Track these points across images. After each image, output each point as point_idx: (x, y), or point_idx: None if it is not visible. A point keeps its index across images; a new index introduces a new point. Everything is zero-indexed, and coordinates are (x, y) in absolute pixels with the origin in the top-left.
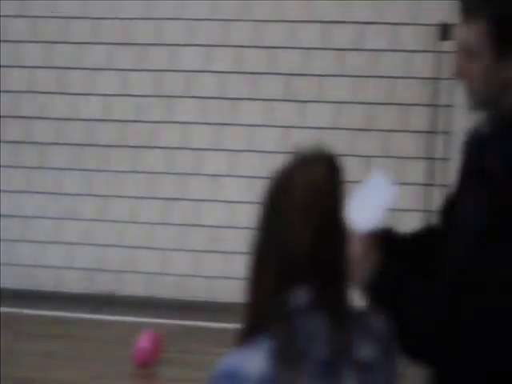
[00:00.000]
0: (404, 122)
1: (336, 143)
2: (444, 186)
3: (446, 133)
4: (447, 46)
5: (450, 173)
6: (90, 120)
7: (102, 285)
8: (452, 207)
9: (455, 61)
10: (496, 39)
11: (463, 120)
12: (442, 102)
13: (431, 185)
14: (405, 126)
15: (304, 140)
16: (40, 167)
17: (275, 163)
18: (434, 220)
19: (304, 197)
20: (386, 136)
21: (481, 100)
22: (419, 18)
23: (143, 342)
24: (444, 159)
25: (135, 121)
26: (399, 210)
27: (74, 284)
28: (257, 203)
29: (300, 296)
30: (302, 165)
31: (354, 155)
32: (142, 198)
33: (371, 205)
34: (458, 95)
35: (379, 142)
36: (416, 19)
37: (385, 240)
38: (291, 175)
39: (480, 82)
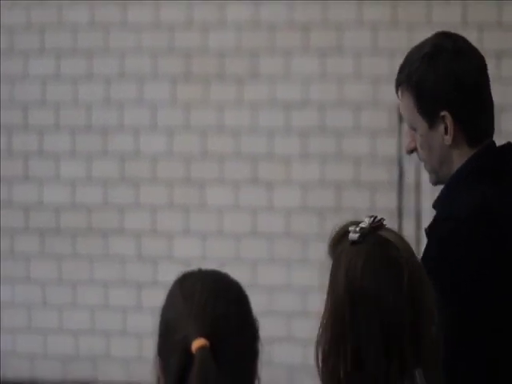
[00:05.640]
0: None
1: (305, 224)
2: None
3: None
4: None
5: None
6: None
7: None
8: None
9: (405, 137)
10: (420, 109)
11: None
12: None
13: None
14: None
15: None
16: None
17: None
18: None
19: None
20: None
21: (432, 171)
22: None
23: None
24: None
25: None
26: None
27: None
28: None
29: None
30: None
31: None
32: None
33: None
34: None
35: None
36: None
37: None
38: None
39: (423, 153)
